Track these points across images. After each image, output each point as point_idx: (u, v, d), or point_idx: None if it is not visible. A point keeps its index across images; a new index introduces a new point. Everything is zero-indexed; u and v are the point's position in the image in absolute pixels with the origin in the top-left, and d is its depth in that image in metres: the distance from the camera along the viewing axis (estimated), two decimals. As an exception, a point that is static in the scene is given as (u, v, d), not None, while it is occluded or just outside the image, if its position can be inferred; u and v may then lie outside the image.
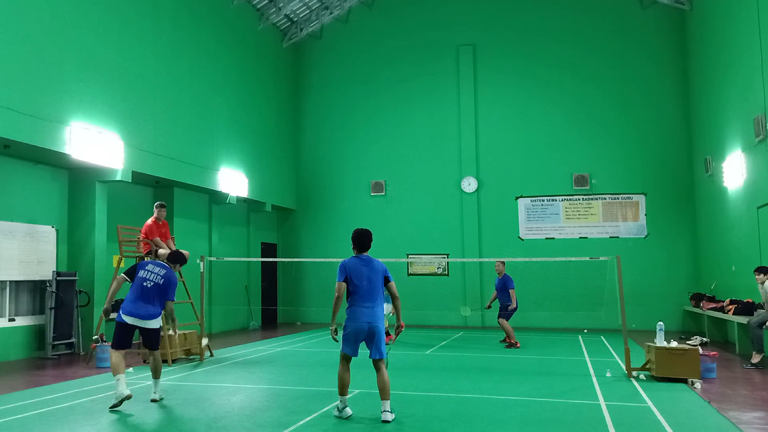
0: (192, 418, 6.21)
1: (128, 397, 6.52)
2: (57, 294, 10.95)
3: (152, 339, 7.07)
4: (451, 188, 17.84)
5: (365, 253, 6.37)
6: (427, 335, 14.61)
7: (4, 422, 6.05)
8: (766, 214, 11.10)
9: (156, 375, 7.08)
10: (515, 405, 6.80)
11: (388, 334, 12.73)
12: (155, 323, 6.97)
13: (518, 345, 12.25)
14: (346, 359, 6.22)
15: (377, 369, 6.18)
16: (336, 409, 6.29)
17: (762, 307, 10.09)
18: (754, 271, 9.97)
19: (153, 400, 6.96)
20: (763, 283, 9.78)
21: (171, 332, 10.04)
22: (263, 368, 9.59)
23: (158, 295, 6.99)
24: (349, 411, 6.21)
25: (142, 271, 7.03)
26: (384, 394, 6.07)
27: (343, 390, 6.20)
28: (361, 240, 6.37)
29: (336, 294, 6.17)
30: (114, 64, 11.84)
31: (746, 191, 12.12)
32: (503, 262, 12.77)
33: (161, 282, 7.02)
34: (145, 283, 6.95)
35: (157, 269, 7.10)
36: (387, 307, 13.56)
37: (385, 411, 6.04)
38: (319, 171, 19.16)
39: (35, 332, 11.01)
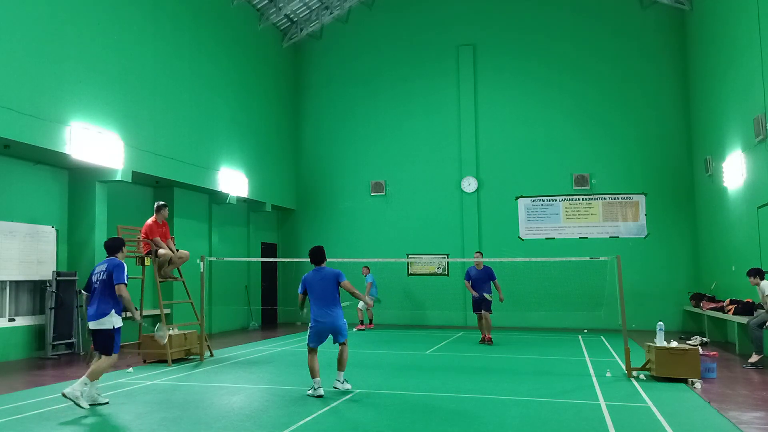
0: (192, 418, 6.20)
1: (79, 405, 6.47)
2: (57, 294, 10.95)
3: (98, 341, 6.77)
4: (451, 188, 17.84)
5: (321, 265, 7.76)
6: (427, 335, 14.61)
7: (4, 422, 6.05)
8: (766, 214, 11.10)
9: (90, 375, 6.61)
10: (515, 405, 6.80)
11: (371, 322, 16.14)
12: (99, 324, 6.71)
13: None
14: (311, 351, 7.50)
15: (340, 348, 7.56)
16: (311, 389, 7.29)
17: (762, 308, 10.08)
18: (747, 273, 9.96)
19: (81, 406, 6.46)
20: (758, 284, 9.77)
21: (171, 332, 10.09)
22: (263, 368, 9.59)
23: (105, 292, 6.74)
24: (321, 391, 7.21)
25: (93, 277, 6.93)
26: (340, 365, 7.56)
27: (313, 374, 7.34)
28: (314, 256, 7.81)
29: (299, 301, 7.74)
30: (114, 64, 11.84)
31: (746, 191, 12.12)
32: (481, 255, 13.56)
33: (105, 276, 6.79)
34: (94, 286, 6.84)
35: (100, 268, 6.91)
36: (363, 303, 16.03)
37: (336, 381, 7.53)
38: (319, 171, 19.16)
39: (35, 332, 11.00)
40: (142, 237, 10.22)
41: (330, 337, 7.59)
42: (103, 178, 11.72)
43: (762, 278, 9.78)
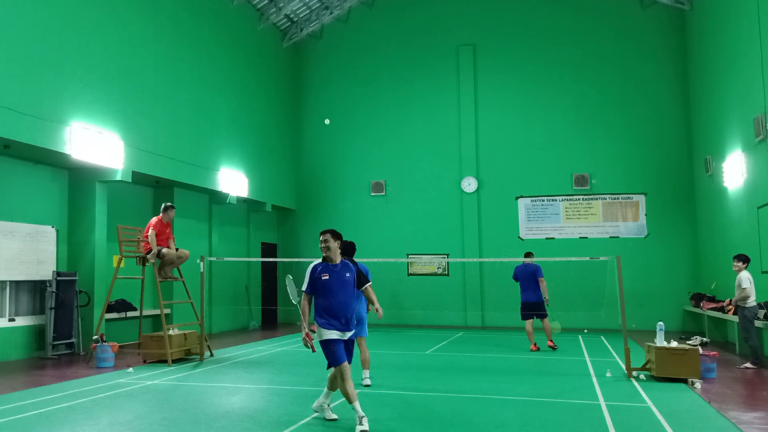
0: (192, 418, 6.20)
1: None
2: (57, 294, 10.95)
3: None
4: (451, 188, 17.84)
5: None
6: (427, 335, 14.62)
7: (4, 422, 6.05)
8: (766, 214, 11.10)
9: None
10: (515, 405, 6.80)
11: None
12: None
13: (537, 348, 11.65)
14: None
15: (359, 345, 8.06)
16: None
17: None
18: (734, 257, 9.88)
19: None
20: (739, 270, 9.71)
21: (171, 332, 10.10)
22: (263, 368, 9.59)
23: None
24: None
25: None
26: (364, 365, 8.10)
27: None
28: (347, 248, 7.88)
29: None
30: (114, 64, 11.84)
31: (746, 191, 12.12)
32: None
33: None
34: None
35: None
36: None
37: (365, 378, 7.99)
38: (319, 171, 19.16)
39: (35, 332, 11.00)
40: (146, 229, 10.29)
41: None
42: (103, 178, 11.72)
43: (746, 266, 9.73)
